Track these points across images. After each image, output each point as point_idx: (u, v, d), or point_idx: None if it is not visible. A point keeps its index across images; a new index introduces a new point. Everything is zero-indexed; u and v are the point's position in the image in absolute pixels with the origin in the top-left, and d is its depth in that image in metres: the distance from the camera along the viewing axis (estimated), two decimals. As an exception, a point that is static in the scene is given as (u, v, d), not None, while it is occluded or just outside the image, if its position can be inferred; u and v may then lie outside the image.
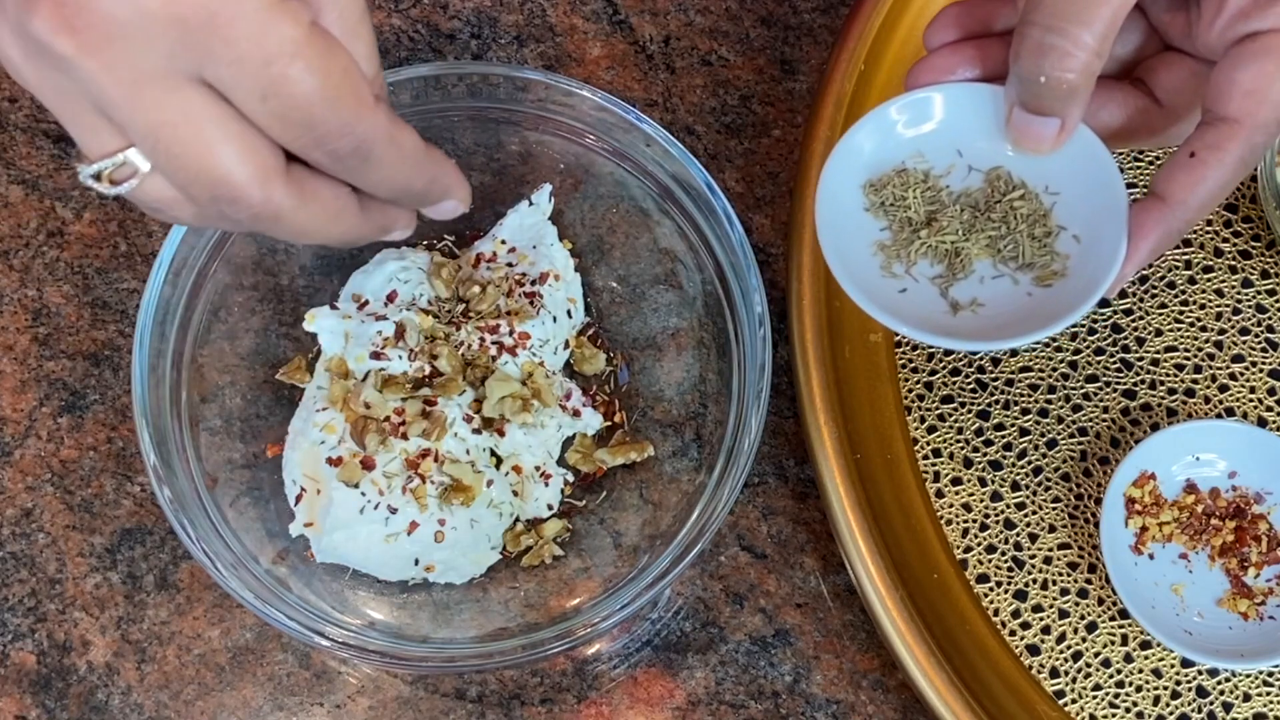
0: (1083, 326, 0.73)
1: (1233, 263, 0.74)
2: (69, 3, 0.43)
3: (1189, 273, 0.74)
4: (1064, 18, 0.51)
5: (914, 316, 0.55)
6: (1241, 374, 0.73)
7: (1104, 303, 0.74)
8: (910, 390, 0.72)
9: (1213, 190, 0.52)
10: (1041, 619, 0.69)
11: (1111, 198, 0.55)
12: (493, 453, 0.69)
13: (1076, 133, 0.55)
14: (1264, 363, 0.73)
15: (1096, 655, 0.69)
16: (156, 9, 0.42)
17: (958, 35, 0.58)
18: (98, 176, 0.47)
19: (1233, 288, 0.74)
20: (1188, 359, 0.73)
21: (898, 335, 0.73)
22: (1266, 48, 0.51)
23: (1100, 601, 0.69)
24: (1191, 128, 0.53)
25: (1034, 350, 0.73)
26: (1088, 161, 0.55)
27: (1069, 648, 0.69)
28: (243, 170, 0.46)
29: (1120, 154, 0.55)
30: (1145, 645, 0.69)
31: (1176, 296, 0.74)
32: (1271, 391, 0.72)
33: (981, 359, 0.73)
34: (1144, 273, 0.74)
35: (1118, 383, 0.73)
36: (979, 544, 0.70)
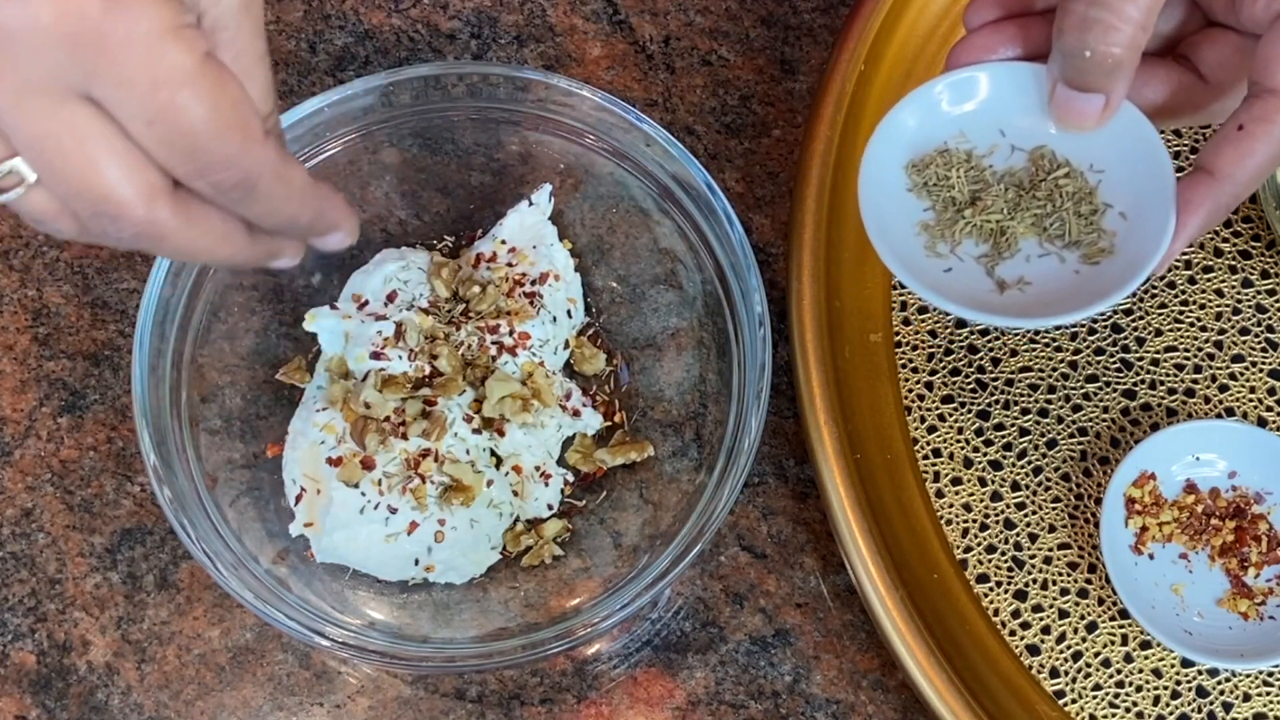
0: (1083, 326, 0.73)
1: (1233, 263, 0.74)
2: None
3: (1189, 273, 0.74)
4: None
5: (961, 295, 0.55)
6: (1241, 374, 0.73)
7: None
8: (910, 390, 0.72)
9: (1262, 162, 0.52)
10: (1041, 619, 0.69)
11: (1158, 174, 0.54)
12: (493, 453, 0.69)
13: (1120, 110, 0.55)
14: (1264, 363, 0.73)
15: (1096, 655, 0.69)
16: (49, 23, 0.42)
17: (998, 14, 0.57)
18: None
19: (1233, 288, 0.74)
20: (1188, 359, 0.73)
21: (897, 335, 0.73)
22: None
23: (1100, 601, 0.69)
24: (1236, 104, 0.53)
25: (1034, 350, 0.73)
26: (1133, 138, 0.55)
27: (1069, 648, 0.69)
28: (127, 188, 0.45)
29: (1161, 132, 0.56)
30: (1145, 645, 0.69)
31: (1176, 296, 0.74)
32: (1271, 391, 0.72)
33: (981, 359, 0.73)
34: (1144, 273, 0.74)
35: (1118, 383, 0.73)
36: (979, 544, 0.70)
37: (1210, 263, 0.75)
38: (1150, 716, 0.68)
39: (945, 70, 0.58)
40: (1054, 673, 0.68)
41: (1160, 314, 0.74)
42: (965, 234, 0.57)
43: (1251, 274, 0.74)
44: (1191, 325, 0.74)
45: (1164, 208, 0.54)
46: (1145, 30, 0.52)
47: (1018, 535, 0.70)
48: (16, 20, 0.42)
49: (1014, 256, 0.57)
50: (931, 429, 0.72)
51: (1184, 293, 0.74)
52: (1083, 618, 0.69)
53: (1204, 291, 0.74)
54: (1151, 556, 0.69)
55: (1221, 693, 0.68)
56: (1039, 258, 0.57)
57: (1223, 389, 0.73)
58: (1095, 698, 0.68)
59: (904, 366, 0.73)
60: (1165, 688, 0.68)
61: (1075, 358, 0.73)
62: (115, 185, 0.45)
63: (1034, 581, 0.70)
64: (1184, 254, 0.74)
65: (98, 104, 0.44)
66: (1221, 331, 0.73)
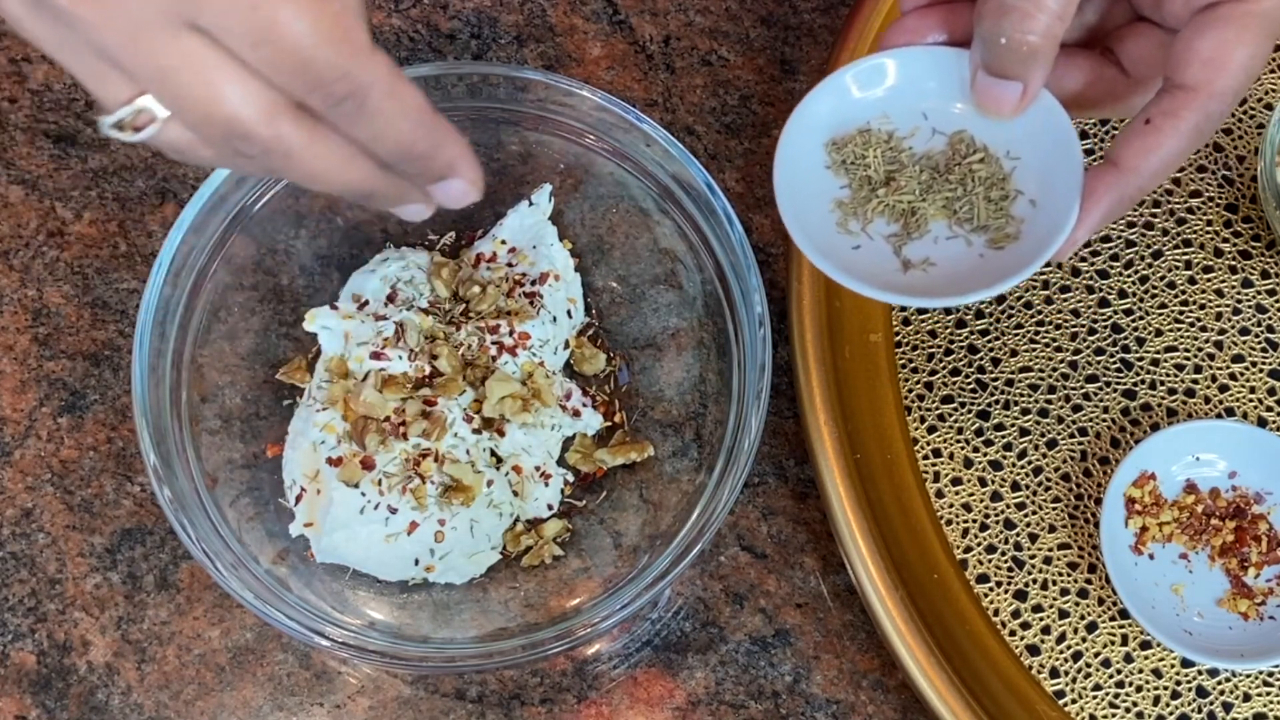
0: (1083, 326, 0.73)
1: (1233, 263, 0.74)
2: None
3: (1189, 273, 0.74)
4: None
5: (864, 273, 0.56)
6: (1241, 374, 0.73)
7: (1104, 302, 0.74)
8: (910, 390, 0.72)
9: (1167, 158, 0.53)
10: (1041, 619, 0.69)
11: (1069, 164, 0.55)
12: (493, 453, 0.69)
13: (1040, 99, 0.55)
14: (1264, 363, 0.73)
15: (1096, 655, 0.69)
16: None
17: None
18: (119, 125, 0.47)
19: (1233, 288, 0.74)
20: (1188, 359, 0.73)
21: (898, 335, 0.73)
22: (1226, 17, 0.51)
23: (1100, 601, 0.69)
24: (1138, 100, 0.55)
25: (1034, 350, 0.73)
26: (1048, 127, 0.56)
27: (1069, 648, 0.69)
28: (248, 108, 0.46)
29: (1078, 123, 0.56)
30: (1145, 645, 0.69)
31: (1176, 296, 0.74)
32: (1271, 391, 0.72)
33: (981, 359, 0.73)
34: (1144, 273, 0.74)
35: (1118, 383, 0.73)
36: (979, 544, 0.70)
37: (1210, 263, 0.75)
38: (1150, 716, 0.68)
39: (879, 50, 0.58)
40: (1054, 673, 0.68)
41: (1160, 314, 0.74)
42: (877, 213, 0.58)
43: (1251, 274, 0.74)
44: (1191, 325, 0.74)
45: (1070, 197, 0.54)
46: (1063, 20, 0.52)
47: (1018, 535, 0.70)
48: None
49: (923, 237, 0.57)
50: (931, 429, 0.72)
51: (1184, 293, 0.74)
52: (1083, 618, 0.69)
53: (1204, 291, 0.74)
54: (1151, 556, 0.69)
55: (1221, 693, 0.68)
56: (947, 240, 0.57)
57: (1223, 389, 0.73)
58: (1095, 698, 0.68)
59: (904, 366, 0.73)
60: (1165, 688, 0.68)
61: (1075, 358, 0.73)
62: (238, 107, 0.46)
63: (1034, 581, 0.70)
64: (1184, 254, 0.74)
65: (206, 32, 0.45)
66: (1221, 331, 0.73)
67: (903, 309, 0.73)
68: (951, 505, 0.71)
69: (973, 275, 0.56)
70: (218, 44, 0.45)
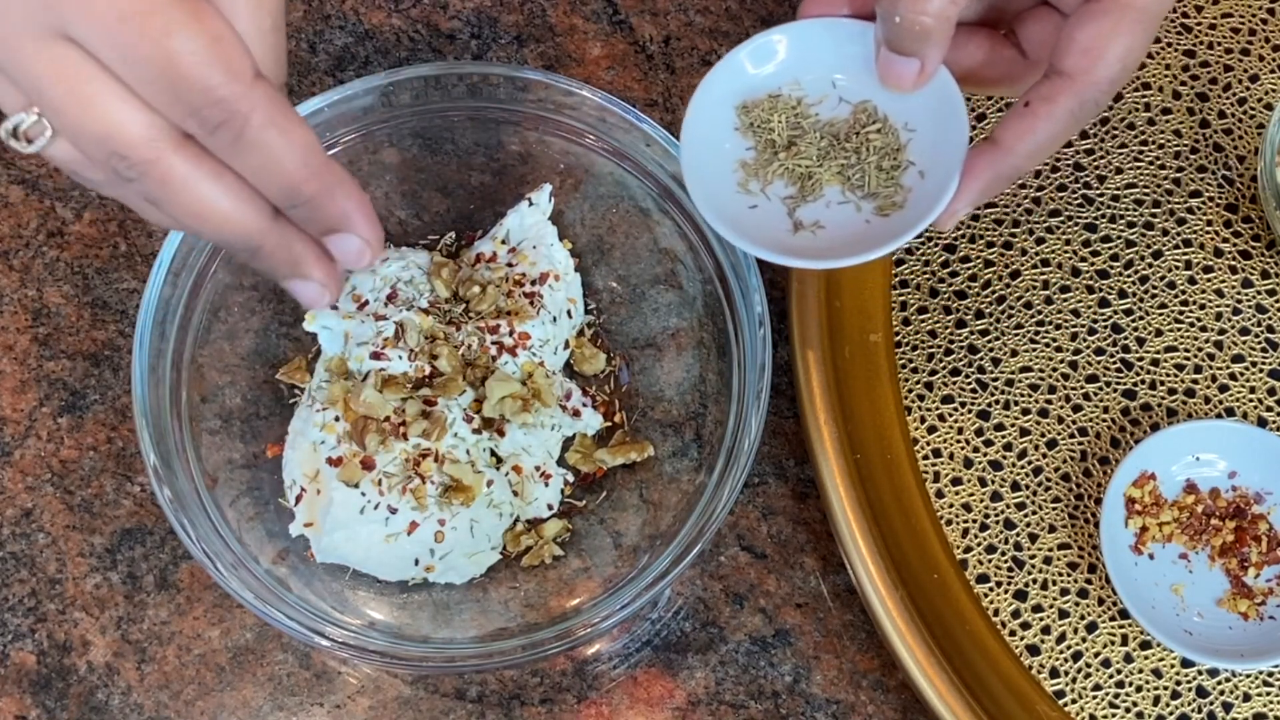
0: (1083, 326, 0.73)
1: (1233, 263, 0.74)
2: None
3: (1189, 273, 0.74)
4: None
5: (756, 233, 0.59)
6: (1241, 374, 0.73)
7: (1104, 302, 0.74)
8: (910, 390, 0.72)
9: (1042, 141, 0.54)
10: (1041, 619, 0.69)
11: (955, 139, 0.57)
12: (493, 453, 0.69)
13: (939, 75, 0.57)
14: (1264, 363, 0.73)
15: (1096, 655, 0.69)
16: None
17: None
18: (13, 134, 0.46)
19: (1233, 288, 0.74)
20: (1188, 359, 0.73)
21: (898, 335, 0.73)
22: (1107, 9, 0.53)
23: (1100, 601, 0.69)
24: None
25: (1034, 350, 0.73)
26: (943, 103, 0.58)
27: (1069, 648, 0.69)
28: (129, 126, 0.44)
29: (968, 99, 0.60)
30: (1145, 645, 0.69)
31: (1176, 296, 0.74)
32: (1271, 391, 0.72)
33: (981, 359, 0.73)
34: (1144, 273, 0.74)
35: (1118, 383, 0.73)
36: (979, 544, 0.70)
37: (1210, 263, 0.75)
38: (1150, 716, 0.68)
39: (797, 18, 0.60)
40: (1054, 673, 0.68)
41: (1160, 314, 0.74)
42: (776, 175, 0.60)
43: (1251, 274, 0.74)
44: (1191, 325, 0.74)
45: (952, 171, 0.57)
46: (955, 2, 0.54)
47: (1018, 535, 0.70)
48: None
49: (816, 201, 0.60)
50: (931, 429, 0.72)
51: (1184, 293, 0.74)
52: (1083, 618, 0.69)
53: (1204, 291, 0.74)
54: (1151, 556, 0.69)
55: (1221, 693, 0.68)
56: (839, 205, 0.60)
57: (1223, 389, 0.73)
58: (1095, 698, 0.68)
59: (904, 366, 0.73)
60: (1165, 688, 0.68)
61: (1075, 358, 0.73)
62: (115, 123, 0.44)
63: (1034, 581, 0.70)
64: (1184, 254, 0.74)
65: (79, 44, 0.43)
66: (1221, 331, 0.73)
67: (903, 309, 0.73)
68: (951, 505, 0.71)
69: (857, 240, 0.58)
70: (92, 57, 0.44)
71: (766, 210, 0.60)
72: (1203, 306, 0.74)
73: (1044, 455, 0.72)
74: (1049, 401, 0.72)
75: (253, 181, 0.47)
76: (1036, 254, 0.74)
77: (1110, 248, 0.75)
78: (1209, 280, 0.74)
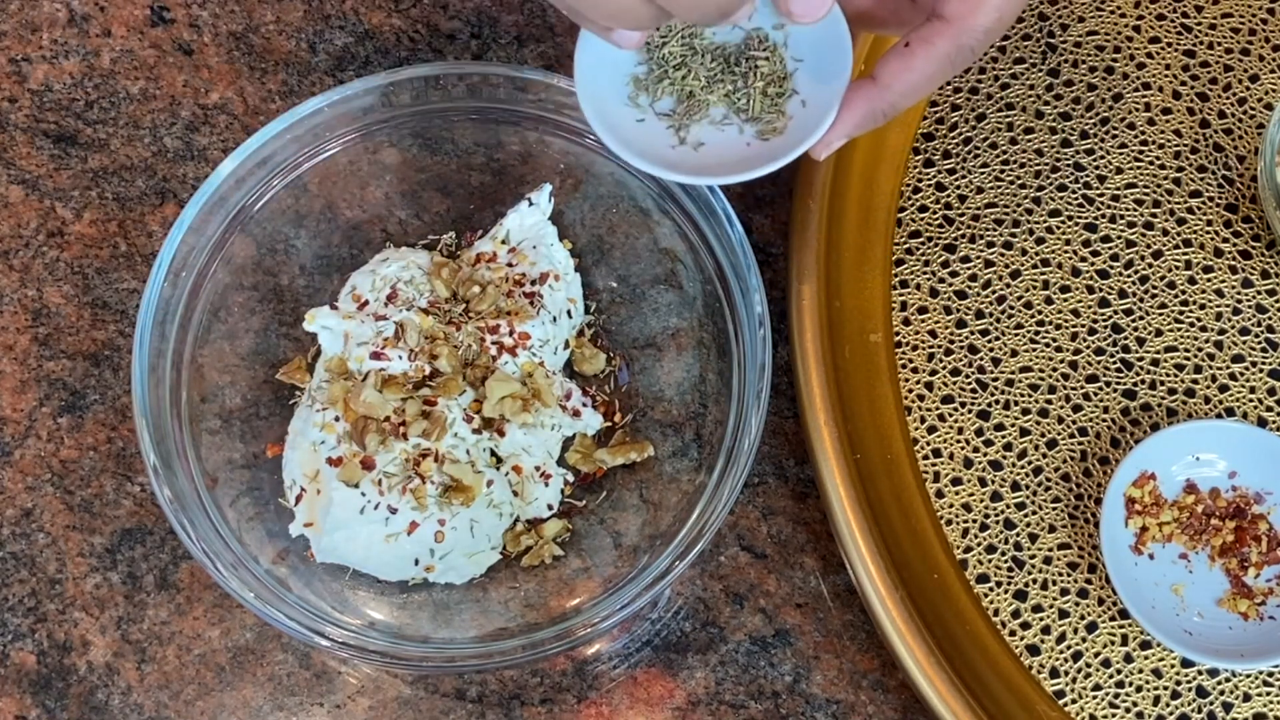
0: (1083, 326, 0.73)
1: (1233, 263, 0.74)
2: None
3: (1189, 273, 0.74)
4: None
5: (640, 146, 0.61)
6: (1241, 374, 0.73)
7: (1104, 302, 0.74)
8: (910, 390, 0.72)
9: (917, 80, 0.57)
10: (1041, 619, 0.69)
11: (838, 73, 0.60)
12: (493, 453, 0.69)
13: (831, 11, 0.59)
14: (1264, 363, 0.73)
15: (1096, 655, 0.69)
16: None
17: None
18: None
19: (1233, 288, 0.74)
20: (1188, 359, 0.73)
21: (897, 335, 0.73)
22: None
23: (1100, 601, 0.69)
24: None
25: (1034, 350, 0.73)
26: (830, 37, 0.60)
27: (1069, 648, 0.69)
28: None
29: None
30: (1145, 645, 0.69)
31: (1176, 296, 0.74)
32: (1271, 391, 0.72)
33: (981, 359, 0.73)
34: (1144, 273, 0.74)
35: (1118, 383, 0.73)
36: (979, 544, 0.70)
37: (1210, 263, 0.75)
38: (1150, 716, 0.68)
39: None
40: (1054, 673, 0.68)
41: (1160, 314, 0.74)
42: (665, 92, 0.62)
43: (1251, 274, 0.74)
44: (1191, 325, 0.74)
45: (832, 103, 0.59)
46: None
47: (1018, 535, 0.70)
48: None
49: (701, 121, 0.62)
50: (931, 429, 0.72)
51: (1184, 293, 0.74)
52: (1083, 618, 0.69)
53: (1204, 291, 0.74)
54: (1151, 556, 0.69)
55: (1221, 693, 0.68)
56: (722, 126, 0.62)
57: (1223, 389, 0.73)
58: (1095, 698, 0.68)
59: (904, 366, 0.73)
60: (1165, 688, 0.68)
61: (1075, 358, 0.73)
62: None
63: (1034, 581, 0.70)
64: (1184, 254, 0.74)
65: None
66: (1221, 331, 0.73)
67: (903, 309, 0.73)
68: (951, 505, 0.71)
69: (736, 161, 0.61)
70: None
71: (652, 126, 0.62)
72: (1203, 306, 0.74)
73: (1044, 455, 0.72)
74: (1049, 401, 0.72)
75: None
76: (1036, 254, 0.74)
77: (1110, 248, 0.75)
78: (1209, 280, 0.74)
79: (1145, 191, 0.75)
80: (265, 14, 0.79)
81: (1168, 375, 0.73)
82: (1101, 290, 0.74)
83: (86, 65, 0.78)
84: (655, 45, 0.62)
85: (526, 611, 0.68)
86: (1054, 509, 0.71)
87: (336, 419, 0.67)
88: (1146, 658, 0.68)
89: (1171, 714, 0.68)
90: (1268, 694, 0.68)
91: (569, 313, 0.72)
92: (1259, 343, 0.73)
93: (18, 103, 0.78)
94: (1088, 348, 0.73)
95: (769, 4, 0.61)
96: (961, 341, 0.73)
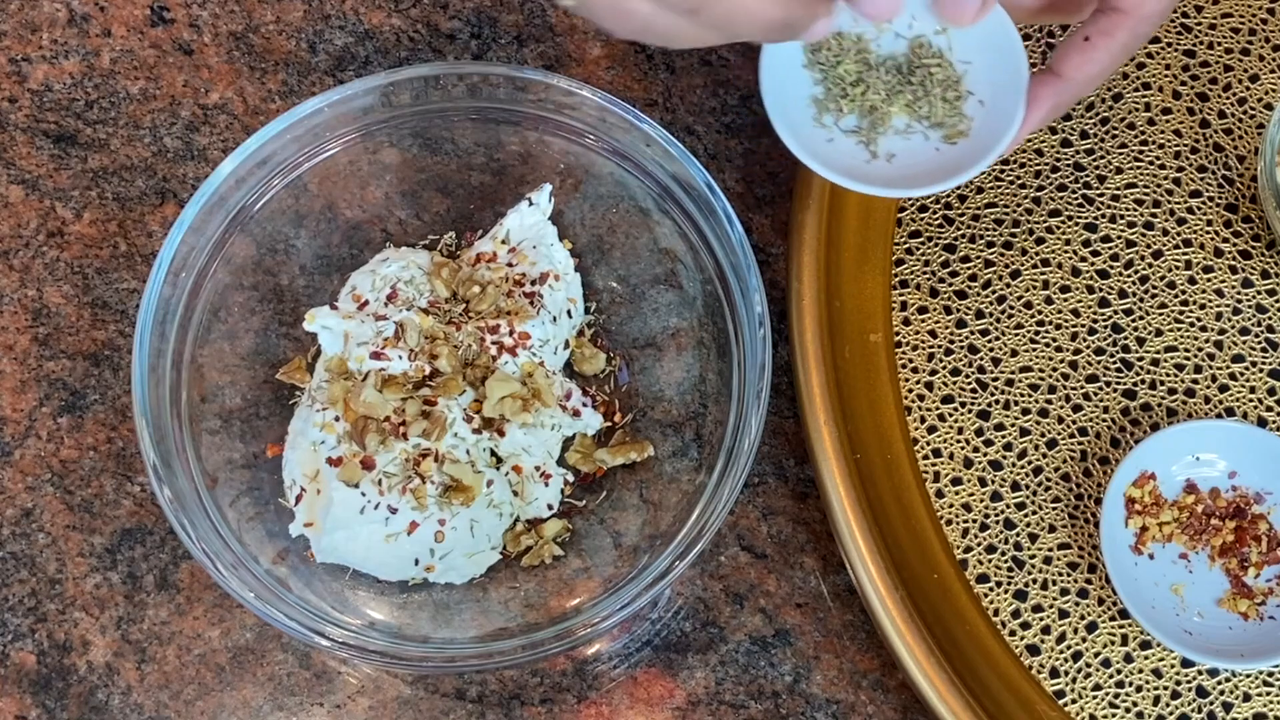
0: (1083, 326, 0.73)
1: (1233, 263, 0.74)
2: None
3: (1189, 273, 0.74)
4: None
5: (838, 165, 0.63)
6: (1241, 374, 0.73)
7: (1104, 302, 0.74)
8: (910, 390, 0.72)
9: (1098, 70, 0.61)
10: (1041, 619, 0.69)
11: (1015, 70, 0.62)
12: (493, 453, 0.69)
13: (996, 13, 0.62)
14: (1264, 363, 0.73)
15: (1096, 655, 0.69)
16: None
17: None
18: None
19: (1233, 288, 0.74)
20: (1188, 359, 0.73)
21: (898, 335, 0.73)
22: None
23: (1100, 601, 0.69)
24: (1090, 11, 0.62)
25: (1034, 350, 0.73)
26: (998, 37, 0.63)
27: (1069, 648, 0.69)
28: None
29: (1023, 30, 0.65)
30: (1145, 645, 0.69)
31: (1176, 296, 0.74)
32: (1271, 391, 0.72)
33: (981, 359, 0.73)
34: (1144, 273, 0.74)
35: (1118, 383, 0.73)
36: (979, 544, 0.70)
37: (1210, 263, 0.75)
38: (1150, 716, 0.68)
39: None
40: (1054, 673, 0.68)
41: (1160, 314, 0.74)
42: (848, 110, 0.64)
43: (1251, 274, 0.74)
44: (1191, 325, 0.74)
45: (1016, 100, 0.62)
46: None
47: (1018, 535, 0.70)
48: None
49: (886, 133, 0.64)
50: (931, 429, 0.72)
51: (1184, 293, 0.74)
52: (1083, 618, 0.69)
53: (1204, 291, 0.74)
54: (1151, 556, 0.69)
55: (1221, 693, 0.68)
56: (907, 135, 0.64)
57: (1223, 389, 0.73)
58: (1095, 698, 0.68)
59: (904, 366, 0.73)
60: (1165, 688, 0.68)
61: (1075, 358, 0.73)
62: None
63: (1034, 581, 0.70)
64: (1184, 254, 0.74)
65: None
66: (1221, 331, 0.73)
67: (903, 309, 0.73)
68: (951, 505, 0.71)
69: (931, 168, 0.63)
70: None
71: (841, 144, 0.64)
72: (1203, 306, 0.74)
73: (1044, 455, 0.72)
74: (1049, 401, 0.72)
75: None
76: (1036, 254, 0.74)
77: (1110, 248, 0.75)
78: (1209, 280, 0.74)
79: (1145, 191, 0.75)
80: (265, 14, 0.79)
81: (1168, 375, 0.73)
82: (1101, 290, 0.74)
83: (86, 65, 0.78)
84: (829, 65, 0.64)
85: (526, 611, 0.68)
86: (1054, 509, 0.71)
87: (336, 419, 0.67)
88: (1146, 658, 0.68)
89: (1171, 714, 0.68)
90: (1268, 694, 0.68)
91: (569, 313, 0.72)
92: (1259, 343, 0.73)
93: (18, 103, 0.78)
94: (1088, 348, 0.73)
95: (928, 10, 0.63)
96: (961, 341, 0.73)
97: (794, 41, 0.62)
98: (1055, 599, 0.69)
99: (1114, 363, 0.73)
